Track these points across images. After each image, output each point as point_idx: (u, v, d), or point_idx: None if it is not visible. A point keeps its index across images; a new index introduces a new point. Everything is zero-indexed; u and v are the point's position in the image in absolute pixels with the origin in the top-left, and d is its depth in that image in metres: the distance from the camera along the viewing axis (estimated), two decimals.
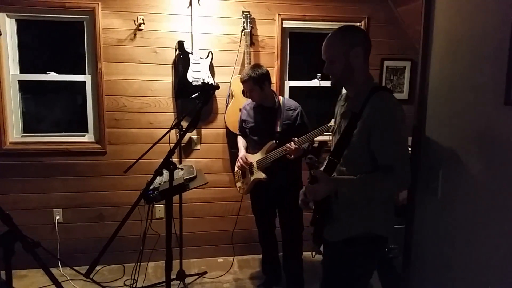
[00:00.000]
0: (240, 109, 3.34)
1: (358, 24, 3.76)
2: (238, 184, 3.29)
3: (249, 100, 3.25)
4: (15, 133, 3.57)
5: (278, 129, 3.04)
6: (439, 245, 1.87)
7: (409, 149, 2.12)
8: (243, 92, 3.56)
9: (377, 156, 1.70)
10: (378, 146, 1.69)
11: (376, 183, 1.70)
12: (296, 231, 3.15)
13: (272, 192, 3.11)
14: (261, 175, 3.04)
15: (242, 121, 3.24)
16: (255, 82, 2.97)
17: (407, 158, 1.72)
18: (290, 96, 3.74)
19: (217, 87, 2.51)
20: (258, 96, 3.05)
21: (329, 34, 1.81)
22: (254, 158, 3.10)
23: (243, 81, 3.02)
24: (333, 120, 2.10)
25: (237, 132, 3.39)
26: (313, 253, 2.03)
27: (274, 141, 3.01)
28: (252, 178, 3.11)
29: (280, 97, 3.15)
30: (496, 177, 1.52)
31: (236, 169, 3.26)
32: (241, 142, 3.30)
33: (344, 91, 1.99)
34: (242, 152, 3.21)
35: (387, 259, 2.79)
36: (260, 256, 3.51)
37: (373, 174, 1.70)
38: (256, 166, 3.07)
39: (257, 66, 3.05)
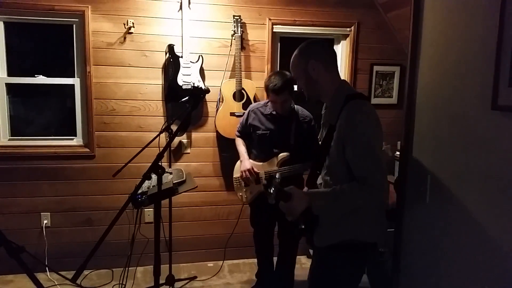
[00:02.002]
0: (248, 111, 3.12)
1: (347, 29, 3.78)
2: (240, 193, 3.13)
3: (260, 103, 3.11)
4: (2, 136, 3.52)
5: (292, 142, 2.93)
6: (428, 249, 1.87)
7: (397, 153, 2.13)
8: (234, 96, 3.55)
9: (351, 167, 1.71)
10: (350, 158, 1.70)
11: (350, 194, 1.69)
12: (293, 240, 3.08)
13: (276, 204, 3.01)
14: None
15: (249, 125, 3.06)
16: (291, 91, 2.82)
17: (379, 167, 1.70)
18: None
19: (207, 91, 2.47)
20: (288, 106, 2.90)
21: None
22: (261, 168, 3.00)
23: (278, 93, 2.77)
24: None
25: (236, 134, 3.20)
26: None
27: (287, 154, 2.92)
28: (260, 189, 2.98)
29: (295, 106, 3.00)
30: (483, 181, 1.53)
31: (236, 175, 3.12)
32: (243, 147, 3.12)
33: None
34: (246, 160, 3.03)
35: (377, 263, 2.79)
36: (251, 260, 3.49)
37: (347, 186, 1.70)
38: (265, 177, 2.95)
39: (284, 73, 2.82)
